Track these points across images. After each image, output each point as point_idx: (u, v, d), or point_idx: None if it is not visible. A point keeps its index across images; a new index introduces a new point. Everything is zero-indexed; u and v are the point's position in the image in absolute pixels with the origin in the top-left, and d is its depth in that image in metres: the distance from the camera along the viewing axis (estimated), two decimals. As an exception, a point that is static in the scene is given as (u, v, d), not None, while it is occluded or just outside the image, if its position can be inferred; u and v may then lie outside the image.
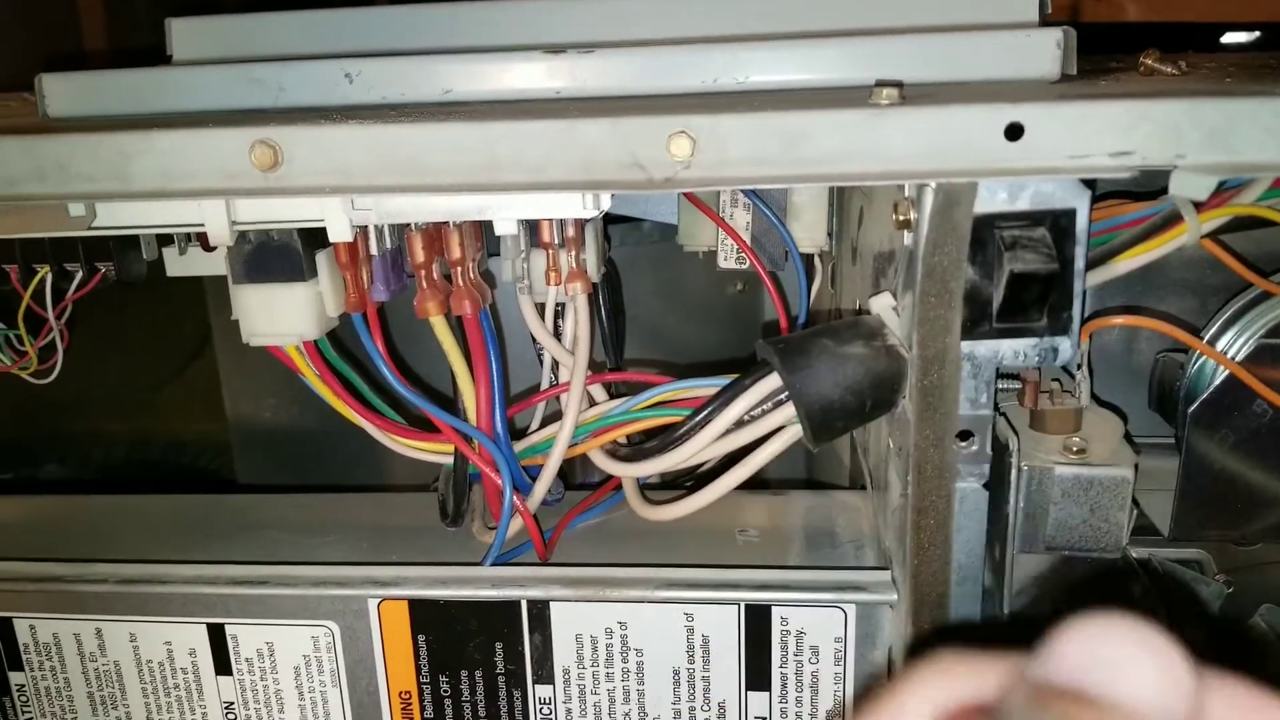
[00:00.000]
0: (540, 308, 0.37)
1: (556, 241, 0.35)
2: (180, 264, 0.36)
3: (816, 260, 0.48)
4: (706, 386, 0.34)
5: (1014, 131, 0.28)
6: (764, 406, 0.32)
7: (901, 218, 0.29)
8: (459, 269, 0.33)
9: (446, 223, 0.33)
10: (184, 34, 0.44)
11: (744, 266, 0.44)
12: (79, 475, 0.67)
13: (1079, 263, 0.28)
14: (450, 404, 0.36)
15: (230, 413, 0.63)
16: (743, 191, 0.42)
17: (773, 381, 0.32)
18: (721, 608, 0.34)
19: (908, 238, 0.30)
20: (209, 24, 0.43)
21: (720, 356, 0.59)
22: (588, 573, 0.34)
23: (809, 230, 0.44)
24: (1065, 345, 0.29)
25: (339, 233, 0.31)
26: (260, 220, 0.31)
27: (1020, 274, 0.27)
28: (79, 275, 0.34)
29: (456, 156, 0.29)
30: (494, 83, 0.38)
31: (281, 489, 0.47)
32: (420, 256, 0.33)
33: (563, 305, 0.37)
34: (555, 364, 0.38)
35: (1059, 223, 0.28)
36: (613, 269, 0.43)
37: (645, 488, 0.39)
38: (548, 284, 0.35)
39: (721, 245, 0.44)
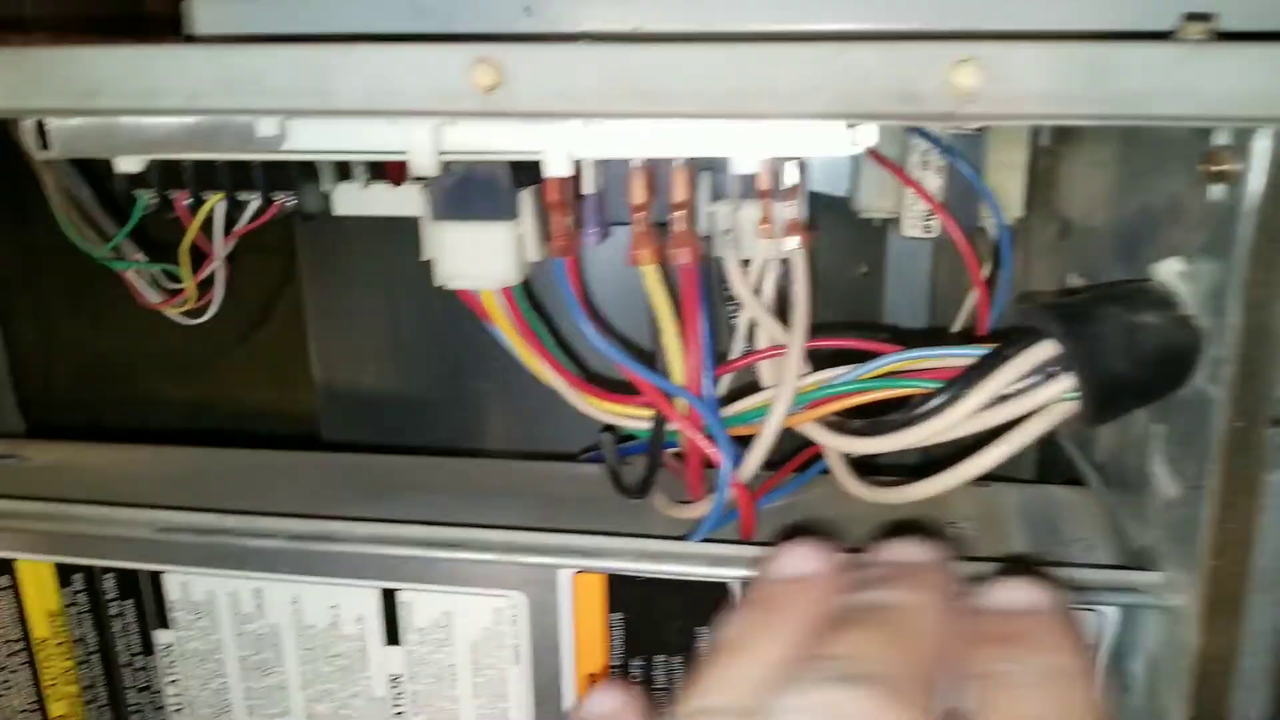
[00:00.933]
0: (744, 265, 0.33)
1: (777, 188, 0.31)
2: (355, 201, 0.33)
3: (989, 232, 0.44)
4: (949, 356, 0.30)
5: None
6: (1031, 379, 0.28)
7: (1216, 169, 0.25)
8: (680, 213, 0.30)
9: (672, 161, 0.29)
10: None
11: (931, 235, 0.40)
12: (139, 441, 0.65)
13: None
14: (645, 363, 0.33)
15: (318, 374, 0.59)
16: (943, 153, 0.38)
17: (1042, 351, 0.28)
18: (951, 603, 0.30)
19: (1219, 192, 0.26)
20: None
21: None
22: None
23: (1004, 200, 0.40)
24: None
25: (557, 166, 0.28)
26: (470, 149, 0.28)
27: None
28: (254, 205, 0.31)
29: (704, 82, 0.26)
30: (690, 17, 0.34)
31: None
32: (640, 197, 0.29)
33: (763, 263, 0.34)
34: (750, 330, 0.34)
35: None
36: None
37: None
38: (759, 237, 0.32)
39: (908, 211, 0.40)
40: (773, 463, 0.38)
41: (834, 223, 0.44)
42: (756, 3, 0.32)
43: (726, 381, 0.36)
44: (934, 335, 0.45)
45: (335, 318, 0.55)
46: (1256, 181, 0.24)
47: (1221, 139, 0.25)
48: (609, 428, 0.37)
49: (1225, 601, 0.27)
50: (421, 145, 0.28)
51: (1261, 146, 0.24)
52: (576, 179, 0.30)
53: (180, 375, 0.63)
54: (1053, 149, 0.40)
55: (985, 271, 0.41)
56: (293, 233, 0.52)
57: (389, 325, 0.55)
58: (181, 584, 0.35)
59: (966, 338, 0.42)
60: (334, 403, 0.58)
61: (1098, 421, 0.28)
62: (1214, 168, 0.25)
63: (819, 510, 0.36)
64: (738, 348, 0.35)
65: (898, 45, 0.25)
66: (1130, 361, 0.27)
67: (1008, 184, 0.40)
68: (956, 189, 0.38)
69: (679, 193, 0.29)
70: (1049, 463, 0.43)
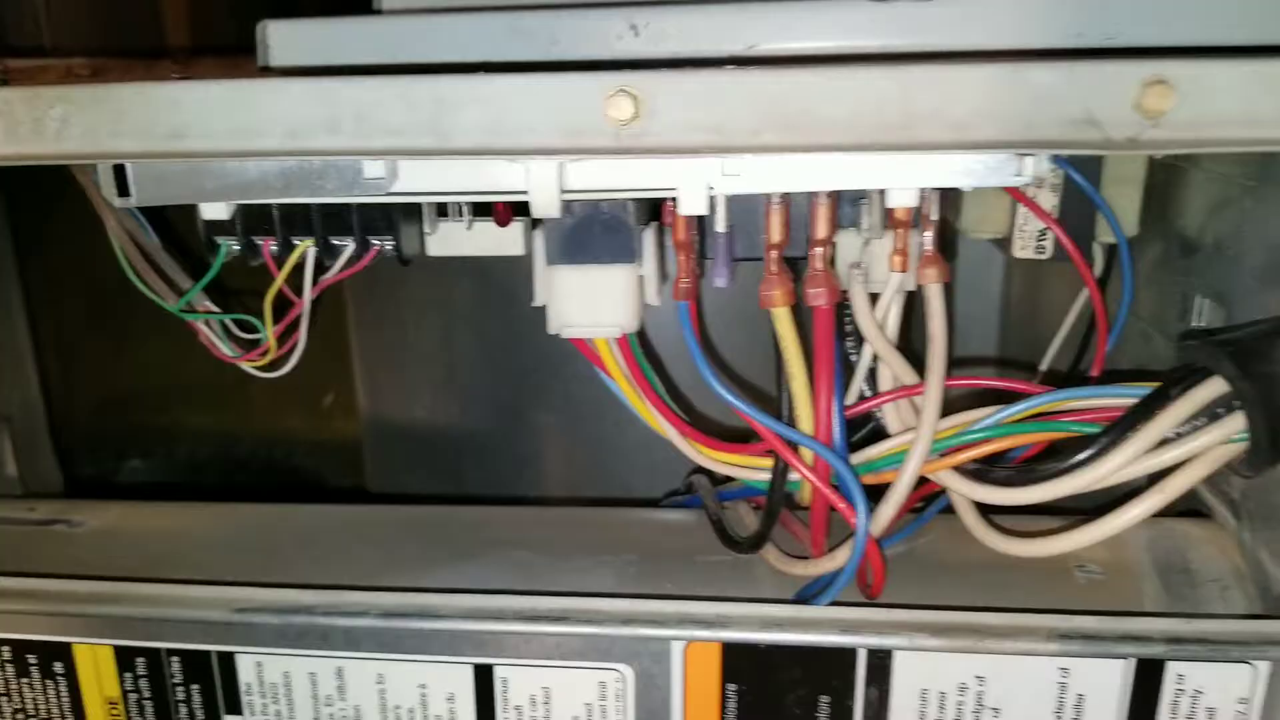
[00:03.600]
0: (871, 300, 0.31)
1: (914, 219, 0.29)
2: (452, 242, 0.31)
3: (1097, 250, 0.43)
4: (1102, 397, 0.28)
5: None
6: (1195, 421, 0.26)
7: None
8: (819, 250, 0.28)
9: (815, 195, 0.27)
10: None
11: (1043, 256, 0.39)
12: (164, 473, 0.62)
13: None
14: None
15: (365, 412, 0.57)
16: (1062, 167, 0.37)
17: (1210, 390, 0.26)
18: (1106, 662, 0.29)
19: None
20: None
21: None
22: (955, 618, 0.29)
23: (1119, 216, 0.38)
24: None
25: (693, 204, 0.25)
26: (596, 187, 0.26)
27: None
28: (349, 250, 0.29)
29: (863, 108, 0.24)
30: (808, 36, 0.32)
31: (418, 499, 0.42)
32: (778, 235, 0.27)
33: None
34: (871, 369, 0.32)
35: None
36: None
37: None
38: (891, 270, 0.30)
39: (1019, 231, 0.38)
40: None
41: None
42: (882, 19, 0.31)
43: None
44: (1030, 371, 0.43)
45: (384, 349, 0.53)
46: None
47: None
48: (700, 469, 0.35)
49: None
50: (545, 184, 0.26)
51: None
52: (707, 215, 0.28)
53: (215, 404, 0.60)
54: (1173, 162, 0.38)
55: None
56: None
57: (443, 357, 0.52)
58: (256, 665, 0.32)
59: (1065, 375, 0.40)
60: (382, 436, 0.56)
61: (1270, 465, 0.26)
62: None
63: (942, 556, 0.34)
64: (857, 390, 0.33)
65: (1080, 65, 0.23)
66: (1313, 402, 0.25)
67: (1124, 200, 0.38)
68: (1071, 204, 0.37)
69: (821, 229, 0.27)
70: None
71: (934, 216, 0.28)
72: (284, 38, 0.34)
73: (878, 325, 0.31)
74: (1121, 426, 0.27)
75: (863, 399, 0.32)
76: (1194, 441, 0.27)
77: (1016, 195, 0.36)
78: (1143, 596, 0.32)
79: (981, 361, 0.51)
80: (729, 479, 0.36)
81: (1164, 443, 0.27)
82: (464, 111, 0.25)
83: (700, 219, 0.28)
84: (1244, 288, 0.32)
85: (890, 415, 0.32)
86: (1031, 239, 0.38)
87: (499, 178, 0.26)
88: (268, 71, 0.34)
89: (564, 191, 0.26)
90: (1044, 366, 0.43)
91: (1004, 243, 0.39)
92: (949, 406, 0.31)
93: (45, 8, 0.56)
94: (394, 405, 0.56)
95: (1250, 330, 0.27)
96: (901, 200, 0.25)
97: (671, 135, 0.24)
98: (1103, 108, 0.23)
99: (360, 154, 0.25)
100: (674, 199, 0.26)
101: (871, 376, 0.33)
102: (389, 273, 0.49)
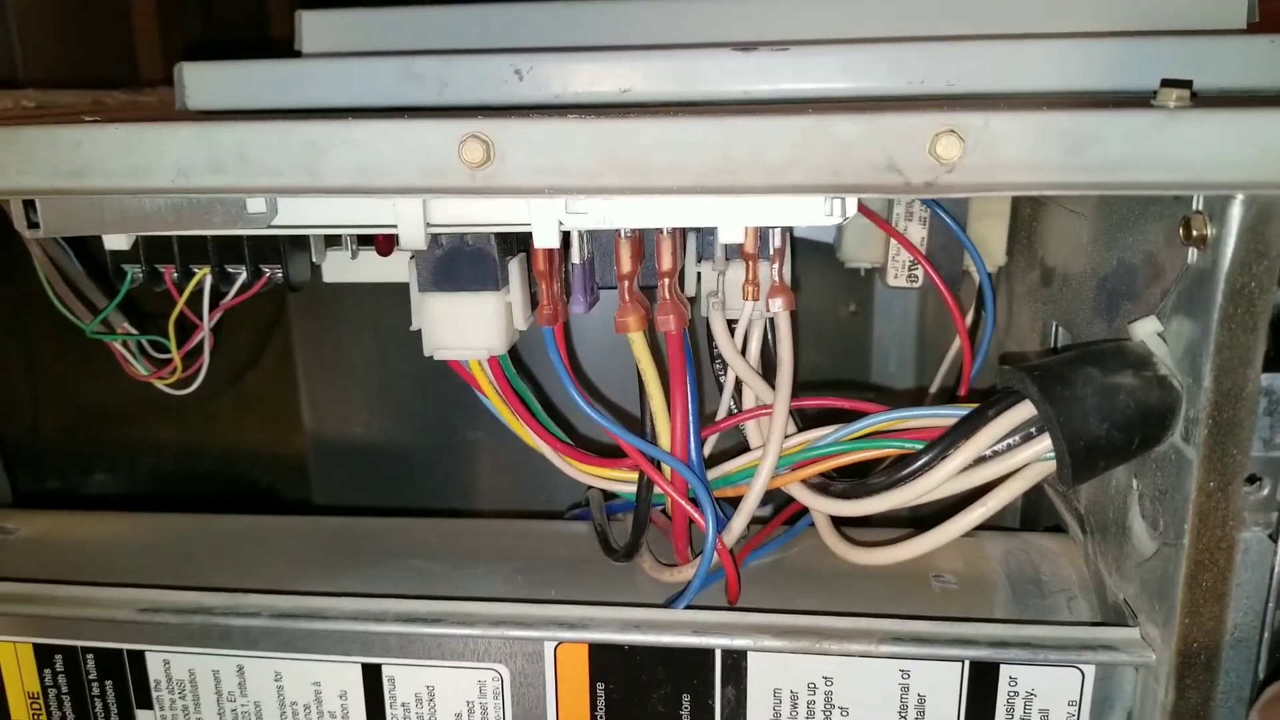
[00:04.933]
0: (730, 325, 0.33)
1: (762, 252, 0.31)
2: (343, 269, 0.33)
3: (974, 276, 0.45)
4: (930, 416, 0.31)
5: (1328, 139, 0.24)
6: (1010, 440, 0.29)
7: (1196, 233, 0.26)
8: (667, 280, 0.30)
9: (659, 230, 0.29)
10: (317, 27, 0.42)
11: (915, 285, 0.41)
12: (128, 485, 0.64)
13: None
14: (631, 427, 0.33)
15: (309, 427, 0.59)
16: (925, 204, 0.39)
17: (1022, 412, 0.29)
18: (943, 665, 0.31)
19: (1195, 255, 0.27)
20: (346, 17, 0.41)
21: (827, 379, 0.56)
22: (799, 621, 0.31)
23: (987, 248, 0.41)
24: (1377, 380, 0.26)
25: (546, 239, 0.28)
26: (458, 222, 0.28)
27: (1352, 299, 0.24)
28: (242, 278, 0.31)
29: (689, 155, 0.26)
30: (677, 82, 0.35)
31: (362, 512, 0.45)
32: (627, 266, 0.30)
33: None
34: (737, 388, 0.35)
35: (1384, 243, 0.25)
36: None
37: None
38: (744, 299, 0.32)
39: (892, 261, 0.41)
40: (761, 517, 0.38)
41: (822, 262, 0.45)
42: (747, 68, 0.33)
43: (713, 441, 0.36)
44: (922, 392, 0.45)
45: (325, 368, 0.56)
46: (1229, 247, 0.25)
47: (1199, 204, 0.26)
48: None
49: (1199, 659, 0.28)
50: (411, 219, 0.28)
51: (1234, 213, 0.25)
52: (565, 248, 0.30)
53: (177, 420, 0.63)
54: (1036, 196, 0.41)
55: (969, 318, 0.42)
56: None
57: (379, 375, 0.55)
58: (164, 663, 0.34)
59: (950, 393, 0.43)
60: (324, 451, 0.58)
61: (1076, 482, 0.28)
62: (1196, 232, 0.26)
63: (810, 565, 0.36)
64: (725, 407, 0.36)
65: (879, 116, 0.25)
66: (1107, 422, 0.27)
67: (991, 231, 0.41)
68: (940, 236, 0.39)
69: (665, 261, 0.30)
70: (1034, 508, 0.43)
71: (777, 246, 0.31)
72: (198, 81, 0.36)
73: (736, 349, 0.33)
74: (942, 444, 0.29)
75: (730, 415, 0.35)
76: (1009, 459, 0.29)
77: (885, 228, 0.38)
78: (992, 605, 0.34)
79: (899, 391, 0.54)
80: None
81: (981, 460, 0.29)
82: (334, 153, 0.27)
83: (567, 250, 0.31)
84: (1084, 315, 0.35)
85: (752, 432, 0.34)
86: (904, 269, 0.40)
87: (370, 213, 0.28)
88: (185, 113, 0.36)
89: (429, 225, 0.28)
90: (934, 389, 0.46)
91: (880, 271, 0.41)
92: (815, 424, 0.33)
93: (19, 41, 0.59)
94: (335, 422, 0.59)
95: (1058, 357, 0.29)
96: (731, 237, 0.28)
97: (521, 177, 0.27)
98: (902, 155, 0.26)
99: (242, 191, 0.28)
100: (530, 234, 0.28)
101: (739, 395, 0.35)
102: (330, 293, 0.52)
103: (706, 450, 0.36)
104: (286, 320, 0.56)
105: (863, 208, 0.40)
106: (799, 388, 0.50)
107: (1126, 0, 0.37)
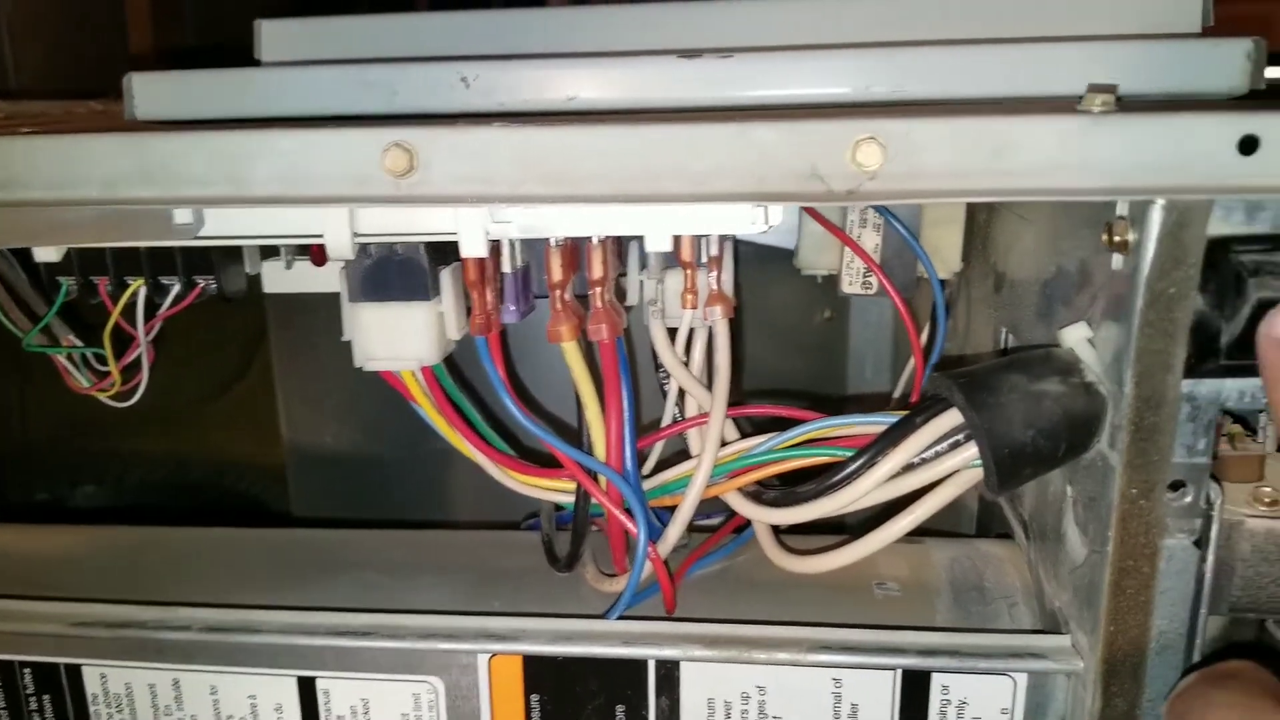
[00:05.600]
0: (670, 333, 0.33)
1: (699, 260, 0.31)
2: (281, 279, 0.33)
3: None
4: (863, 424, 0.30)
5: (1249, 145, 0.24)
6: (938, 448, 0.29)
7: (1118, 239, 0.26)
8: (599, 289, 0.30)
9: (589, 238, 0.29)
10: (275, 36, 0.42)
11: (870, 292, 0.41)
12: (116, 497, 0.64)
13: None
14: (570, 437, 0.33)
15: (287, 438, 0.59)
16: (876, 210, 0.39)
17: (949, 420, 0.28)
18: (876, 673, 0.31)
19: (1119, 261, 0.26)
20: (303, 26, 0.41)
21: (803, 388, 0.56)
22: (728, 630, 0.31)
23: (941, 255, 0.41)
24: (1299, 387, 0.26)
25: (473, 248, 0.28)
26: (385, 232, 0.28)
27: (1268, 302, 0.24)
28: (175, 289, 0.31)
29: (612, 164, 0.26)
30: (622, 89, 0.35)
31: (340, 523, 0.44)
32: (558, 275, 0.29)
33: (692, 331, 0.34)
34: (680, 395, 0.35)
35: (1302, 248, 0.25)
36: (737, 292, 0.40)
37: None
38: (683, 307, 0.32)
39: (846, 268, 0.41)
40: (709, 526, 0.38)
41: (794, 269, 0.45)
42: (691, 75, 0.33)
43: (659, 448, 0.36)
44: (879, 400, 0.45)
45: (302, 379, 0.55)
46: (1149, 253, 0.25)
47: (1121, 209, 0.26)
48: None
49: (1124, 666, 0.28)
50: (337, 229, 0.28)
51: (1154, 218, 0.25)
52: (496, 257, 0.30)
53: (166, 431, 0.63)
54: (990, 203, 0.41)
55: (926, 328, 0.42)
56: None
57: (356, 386, 0.55)
58: (100, 677, 0.34)
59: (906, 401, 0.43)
60: (302, 462, 0.58)
61: (1002, 489, 0.28)
62: (1118, 238, 0.26)
63: (753, 575, 0.36)
64: (670, 415, 0.36)
65: (800, 124, 0.25)
66: (1032, 429, 0.27)
67: (946, 238, 0.41)
68: (895, 243, 0.39)
69: (596, 270, 0.30)
70: (988, 515, 0.43)
71: (712, 253, 0.31)
72: (146, 91, 0.36)
73: (677, 357, 0.33)
74: (871, 452, 0.29)
75: (675, 423, 0.35)
76: (937, 466, 0.29)
77: (838, 235, 0.38)
78: (933, 612, 0.34)
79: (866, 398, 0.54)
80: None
81: (910, 467, 0.29)
82: (259, 163, 0.27)
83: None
84: (1028, 321, 0.35)
85: (694, 440, 0.34)
86: (859, 275, 0.40)
87: (297, 223, 0.28)
88: (134, 123, 0.36)
89: (357, 235, 0.28)
90: (897, 393, 0.46)
91: (837, 278, 0.41)
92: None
93: (10, 50, 0.59)
94: (311, 433, 0.59)
95: (986, 364, 0.29)
96: (658, 246, 0.28)
97: (445, 186, 0.27)
98: (824, 162, 0.26)
99: (169, 203, 0.28)
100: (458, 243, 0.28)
101: (683, 403, 0.35)
102: (305, 303, 0.52)
103: (653, 458, 0.36)
104: (266, 332, 0.56)
105: (817, 215, 0.40)
106: (773, 396, 0.50)
107: (1083, 5, 0.37)
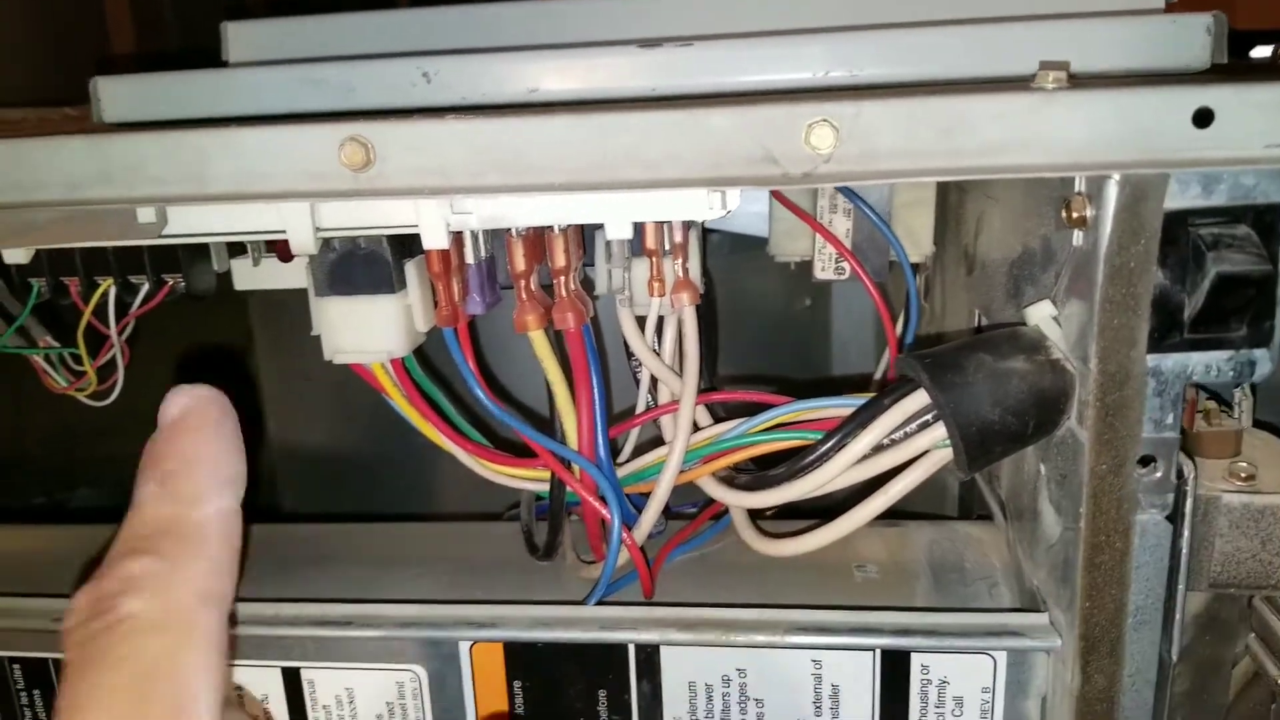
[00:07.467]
0: (639, 321, 0.33)
1: (663, 248, 0.31)
2: (251, 276, 0.34)
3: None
4: (833, 407, 0.30)
5: (1203, 118, 0.24)
6: (907, 429, 0.29)
7: (1076, 215, 0.26)
8: (562, 278, 0.30)
9: (550, 228, 0.29)
10: (241, 37, 0.42)
11: (842, 277, 0.41)
12: (112, 499, 0.65)
13: (1289, 264, 0.25)
14: (544, 426, 0.33)
15: (274, 436, 0.60)
16: (844, 195, 0.39)
17: (918, 400, 0.28)
18: (855, 654, 0.31)
19: (1079, 238, 0.26)
20: (268, 26, 0.41)
21: (787, 375, 0.56)
22: (706, 614, 0.31)
23: (914, 237, 0.41)
24: (1264, 359, 0.26)
25: (434, 239, 0.28)
26: (347, 226, 0.28)
27: (1227, 276, 0.24)
28: (145, 288, 0.31)
29: (567, 152, 0.26)
30: (584, 80, 0.35)
31: (326, 517, 0.45)
32: (521, 265, 0.29)
33: (662, 319, 0.34)
34: (653, 383, 0.35)
35: (1262, 219, 0.25)
36: (708, 279, 0.40)
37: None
38: (650, 295, 0.32)
39: (819, 254, 0.41)
40: (690, 513, 0.38)
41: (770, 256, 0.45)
42: (648, 65, 0.33)
43: (634, 436, 0.36)
44: (861, 385, 0.45)
45: (286, 376, 0.56)
46: (1107, 228, 0.25)
47: (1080, 185, 0.26)
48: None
49: (1102, 643, 0.27)
50: (298, 225, 0.28)
51: (1110, 193, 0.25)
52: (460, 248, 0.30)
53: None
54: (959, 183, 0.41)
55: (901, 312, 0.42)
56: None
57: (335, 380, 0.55)
58: (87, 671, 0.34)
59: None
60: (287, 459, 0.59)
61: (972, 468, 0.28)
62: (1075, 214, 0.26)
63: (734, 559, 0.36)
64: (643, 402, 0.36)
65: (753, 109, 0.25)
66: (999, 407, 0.27)
67: (917, 220, 0.41)
68: (866, 228, 0.39)
69: (558, 259, 0.30)
70: (970, 497, 0.43)
71: (676, 241, 0.31)
72: (112, 94, 0.36)
73: (647, 345, 0.33)
74: (840, 434, 0.29)
75: (648, 410, 0.35)
76: (906, 447, 0.29)
77: (808, 220, 0.38)
78: (913, 593, 0.34)
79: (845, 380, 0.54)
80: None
81: (880, 449, 0.29)
82: (218, 161, 0.27)
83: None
84: (998, 301, 0.35)
85: (666, 426, 0.34)
86: (831, 261, 0.40)
87: (259, 219, 0.28)
88: (101, 125, 0.37)
89: (319, 229, 0.28)
90: (878, 375, 0.46)
91: (809, 265, 0.41)
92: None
93: None
94: (297, 429, 0.59)
95: (953, 344, 0.29)
96: (618, 233, 0.28)
97: (402, 178, 0.27)
98: (778, 146, 0.26)
99: (131, 202, 0.28)
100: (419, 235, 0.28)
101: (655, 390, 0.35)
102: (291, 300, 0.52)
103: (629, 446, 0.36)
104: (251, 330, 0.57)
105: (786, 201, 0.40)
106: (756, 383, 0.50)
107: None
